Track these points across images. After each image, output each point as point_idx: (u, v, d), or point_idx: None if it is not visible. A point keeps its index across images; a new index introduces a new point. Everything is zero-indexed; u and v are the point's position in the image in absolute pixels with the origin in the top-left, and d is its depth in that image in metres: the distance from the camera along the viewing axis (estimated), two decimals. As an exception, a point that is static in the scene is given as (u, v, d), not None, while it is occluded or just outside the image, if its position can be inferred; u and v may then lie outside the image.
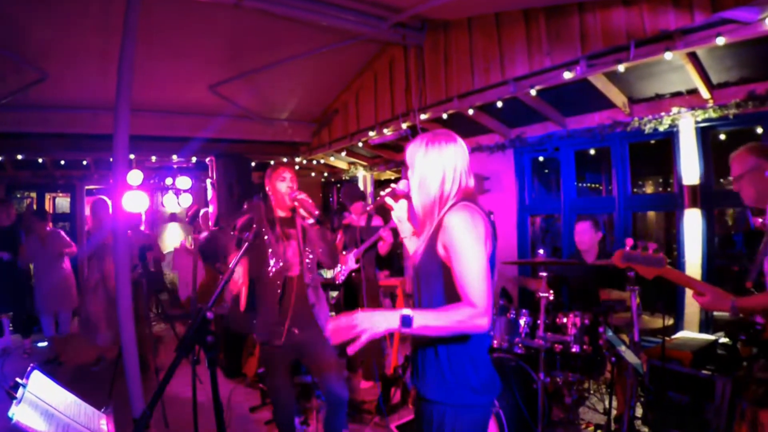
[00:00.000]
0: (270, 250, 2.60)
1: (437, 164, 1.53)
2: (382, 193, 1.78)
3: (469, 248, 1.39)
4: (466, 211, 1.45)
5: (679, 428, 2.74)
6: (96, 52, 4.18)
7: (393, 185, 1.76)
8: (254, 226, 2.41)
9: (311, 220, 2.48)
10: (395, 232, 4.74)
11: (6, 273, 5.02)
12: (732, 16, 2.57)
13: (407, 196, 1.70)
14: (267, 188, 2.69)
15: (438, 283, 1.47)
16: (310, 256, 2.65)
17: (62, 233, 5.24)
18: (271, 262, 2.59)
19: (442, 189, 1.52)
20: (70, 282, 5.18)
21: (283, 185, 2.62)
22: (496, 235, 1.56)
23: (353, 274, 4.17)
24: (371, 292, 4.20)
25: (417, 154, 1.57)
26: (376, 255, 4.31)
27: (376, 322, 1.33)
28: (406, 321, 1.33)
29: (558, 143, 4.59)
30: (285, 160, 7.57)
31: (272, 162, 7.85)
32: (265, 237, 2.61)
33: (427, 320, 1.35)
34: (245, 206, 2.80)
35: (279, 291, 2.56)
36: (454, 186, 1.53)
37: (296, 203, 2.51)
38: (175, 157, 6.86)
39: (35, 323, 5.39)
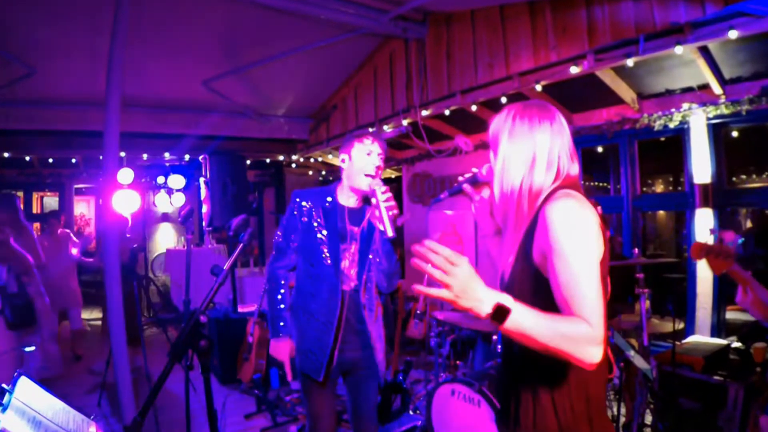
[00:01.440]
0: (324, 250, 2.06)
1: (526, 145, 1.23)
2: (460, 178, 1.57)
3: (578, 249, 1.07)
4: (573, 200, 1.13)
5: (690, 436, 2.74)
6: (85, 46, 4.18)
7: (474, 169, 1.53)
8: (250, 226, 2.31)
9: (389, 232, 1.88)
10: (398, 232, 4.74)
11: None
12: (745, 9, 2.57)
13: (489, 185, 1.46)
14: (341, 159, 2.13)
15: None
16: (370, 270, 2.08)
17: (71, 233, 5.43)
18: (324, 268, 2.06)
19: (531, 178, 1.22)
20: (75, 281, 5.38)
21: (365, 160, 2.03)
22: (606, 236, 1.23)
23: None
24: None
25: (501, 131, 1.28)
26: None
27: (466, 297, 0.98)
28: (500, 313, 0.99)
29: (564, 140, 4.58)
30: (282, 158, 7.57)
31: (267, 160, 7.86)
32: (317, 228, 2.07)
33: (527, 321, 1.00)
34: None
35: (326, 311, 2.05)
36: (549, 174, 1.22)
37: (375, 194, 1.92)
38: (167, 155, 6.86)
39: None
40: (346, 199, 2.12)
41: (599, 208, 1.30)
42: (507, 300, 1.00)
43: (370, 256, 2.08)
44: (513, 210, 1.24)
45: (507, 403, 1.29)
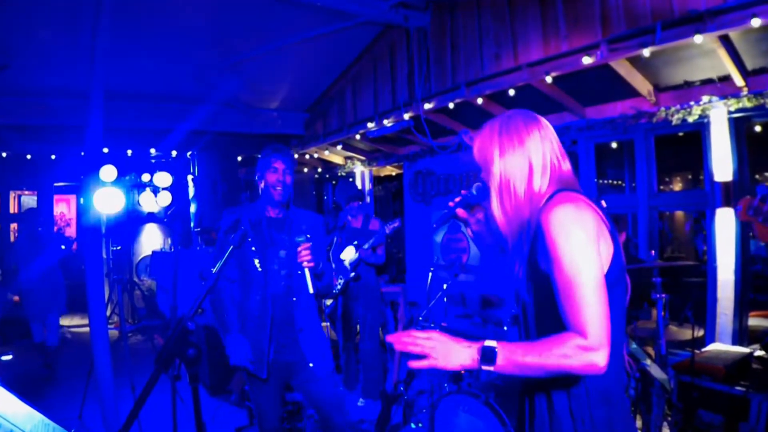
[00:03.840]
0: (255, 260, 2.42)
1: (520, 156, 1.29)
2: (450, 203, 1.61)
3: (574, 253, 1.13)
4: (568, 202, 1.19)
5: (710, 451, 2.74)
6: (66, 35, 4.18)
7: (463, 191, 1.59)
8: (239, 229, 2.36)
9: (309, 290, 2.28)
10: (399, 233, 4.74)
11: None
12: (769, -5, 2.57)
13: (481, 204, 1.54)
14: (257, 179, 2.54)
15: (557, 317, 1.17)
16: (300, 271, 2.41)
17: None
18: (254, 274, 2.43)
19: (531, 187, 1.28)
20: (60, 285, 5.36)
21: (272, 177, 2.46)
22: (617, 232, 1.29)
23: (351, 282, 4.18)
24: (371, 299, 4.21)
25: (490, 148, 1.34)
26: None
27: (451, 357, 1.16)
28: (488, 356, 1.12)
29: (576, 136, 4.58)
30: (279, 148, 7.55)
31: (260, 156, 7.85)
32: (249, 241, 2.45)
33: (517, 355, 1.11)
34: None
35: (260, 311, 2.41)
36: (545, 177, 1.29)
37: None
38: (153, 151, 6.86)
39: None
40: (270, 210, 2.52)
41: (603, 202, 1.32)
42: (490, 342, 1.14)
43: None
44: (517, 223, 1.30)
45: (520, 414, 1.33)
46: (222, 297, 2.46)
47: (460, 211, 1.57)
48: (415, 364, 1.19)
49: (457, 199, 1.58)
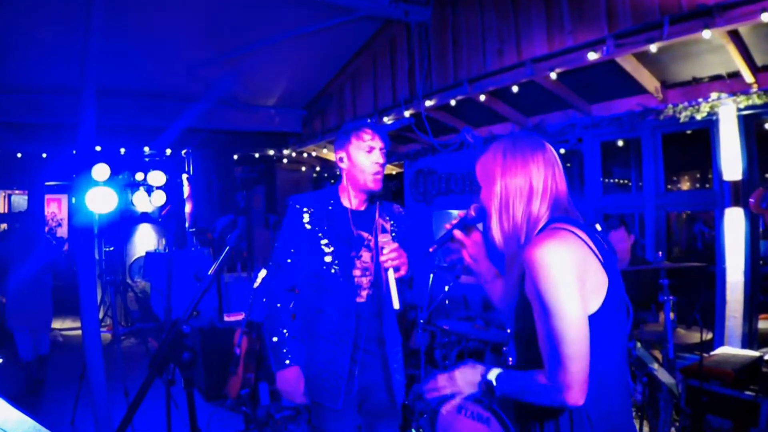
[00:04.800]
0: (332, 260, 2.03)
1: (522, 179, 1.34)
2: (446, 225, 1.62)
3: (551, 294, 1.20)
4: (553, 239, 1.24)
5: (719, 457, 2.74)
6: (56, 28, 4.18)
7: (459, 213, 1.59)
8: (237, 227, 2.30)
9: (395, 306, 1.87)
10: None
11: None
12: (779, -11, 2.57)
13: (476, 225, 1.56)
14: (340, 160, 2.10)
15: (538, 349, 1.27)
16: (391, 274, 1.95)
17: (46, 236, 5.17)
18: (332, 278, 2.04)
19: (530, 210, 1.34)
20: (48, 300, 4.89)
21: (366, 158, 2.02)
22: (616, 259, 1.35)
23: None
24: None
25: (494, 167, 1.38)
26: None
27: (463, 386, 1.35)
28: (489, 388, 1.30)
29: (581, 133, 4.58)
30: (272, 152, 7.57)
31: (257, 155, 7.86)
32: (321, 236, 2.04)
33: (508, 389, 1.29)
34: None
35: (343, 324, 2.02)
36: (544, 202, 1.34)
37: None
38: (147, 149, 6.86)
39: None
40: (350, 201, 2.11)
41: (597, 226, 1.36)
42: (492, 374, 1.30)
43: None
44: (515, 243, 1.35)
45: (524, 421, 1.38)
46: (280, 315, 2.06)
47: (457, 233, 1.59)
48: (436, 394, 1.39)
49: (454, 221, 1.60)
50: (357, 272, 2.05)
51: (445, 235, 1.60)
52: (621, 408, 1.31)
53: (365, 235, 2.07)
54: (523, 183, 1.34)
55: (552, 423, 1.30)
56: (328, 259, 2.03)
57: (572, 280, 1.21)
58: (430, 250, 1.64)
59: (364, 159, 2.03)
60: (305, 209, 2.07)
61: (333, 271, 2.02)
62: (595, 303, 1.25)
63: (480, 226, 1.58)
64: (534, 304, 1.24)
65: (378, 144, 2.04)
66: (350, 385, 2.01)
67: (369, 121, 5.40)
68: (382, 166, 2.05)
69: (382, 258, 1.87)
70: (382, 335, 2.08)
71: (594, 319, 1.23)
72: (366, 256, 2.06)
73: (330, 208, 2.08)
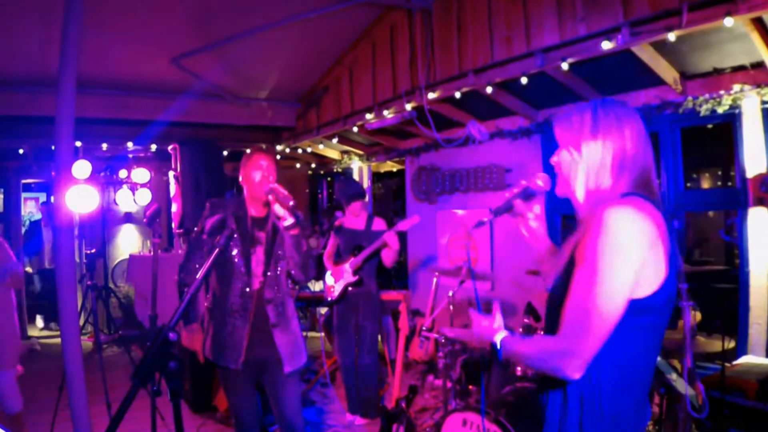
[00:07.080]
0: (235, 257, 2.63)
1: (615, 143, 1.34)
2: (507, 194, 1.62)
3: (605, 259, 1.19)
4: (634, 206, 1.24)
5: (742, 473, 2.74)
6: (34, 19, 4.18)
7: (523, 182, 1.60)
8: (226, 228, 2.40)
9: (289, 221, 2.48)
10: (402, 236, 4.73)
11: None
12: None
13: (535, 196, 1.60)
14: (240, 179, 2.76)
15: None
16: (278, 268, 2.69)
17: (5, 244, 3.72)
18: (235, 272, 2.63)
19: (617, 173, 1.34)
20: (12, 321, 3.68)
21: (258, 175, 2.65)
22: (679, 260, 1.36)
23: (349, 288, 4.17)
24: (371, 309, 4.20)
25: (585, 127, 1.37)
26: (378, 265, 4.31)
27: (481, 340, 1.48)
28: (496, 349, 1.41)
29: (595, 128, 4.59)
30: (264, 147, 7.57)
31: (248, 151, 7.86)
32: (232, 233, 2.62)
33: (514, 349, 1.38)
34: (208, 204, 2.77)
35: (237, 307, 2.62)
36: (632, 172, 1.34)
37: (270, 196, 2.51)
38: (130, 145, 6.86)
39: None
40: (251, 208, 2.73)
41: (675, 222, 1.39)
42: (500, 335, 1.41)
43: (280, 252, 2.67)
44: (593, 205, 1.34)
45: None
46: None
47: (518, 203, 1.59)
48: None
49: (517, 190, 1.59)
50: (254, 263, 2.70)
51: (505, 204, 1.60)
52: (636, 416, 1.33)
53: (262, 235, 2.73)
54: (617, 146, 1.34)
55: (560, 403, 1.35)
56: (235, 251, 2.67)
57: (634, 254, 1.20)
58: (485, 220, 1.63)
59: (256, 177, 2.70)
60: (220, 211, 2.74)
61: (237, 261, 2.66)
62: (646, 290, 1.24)
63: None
64: (580, 266, 1.24)
65: (265, 162, 2.72)
66: (247, 353, 2.62)
67: (368, 115, 5.40)
68: (271, 181, 2.63)
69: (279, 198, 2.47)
70: (268, 318, 2.66)
71: (635, 306, 1.23)
72: (260, 251, 2.71)
73: (240, 213, 2.74)
